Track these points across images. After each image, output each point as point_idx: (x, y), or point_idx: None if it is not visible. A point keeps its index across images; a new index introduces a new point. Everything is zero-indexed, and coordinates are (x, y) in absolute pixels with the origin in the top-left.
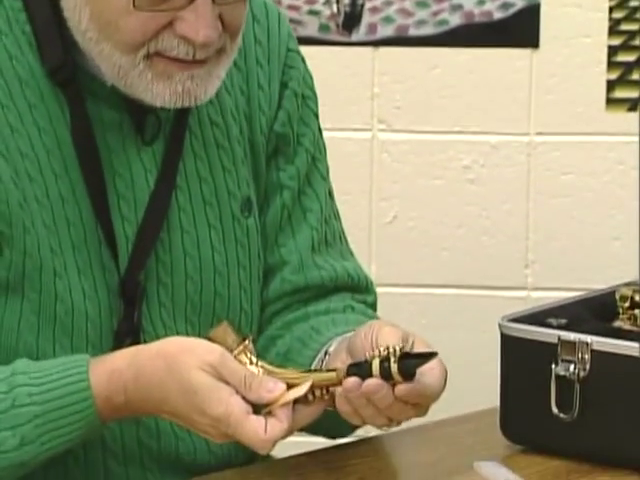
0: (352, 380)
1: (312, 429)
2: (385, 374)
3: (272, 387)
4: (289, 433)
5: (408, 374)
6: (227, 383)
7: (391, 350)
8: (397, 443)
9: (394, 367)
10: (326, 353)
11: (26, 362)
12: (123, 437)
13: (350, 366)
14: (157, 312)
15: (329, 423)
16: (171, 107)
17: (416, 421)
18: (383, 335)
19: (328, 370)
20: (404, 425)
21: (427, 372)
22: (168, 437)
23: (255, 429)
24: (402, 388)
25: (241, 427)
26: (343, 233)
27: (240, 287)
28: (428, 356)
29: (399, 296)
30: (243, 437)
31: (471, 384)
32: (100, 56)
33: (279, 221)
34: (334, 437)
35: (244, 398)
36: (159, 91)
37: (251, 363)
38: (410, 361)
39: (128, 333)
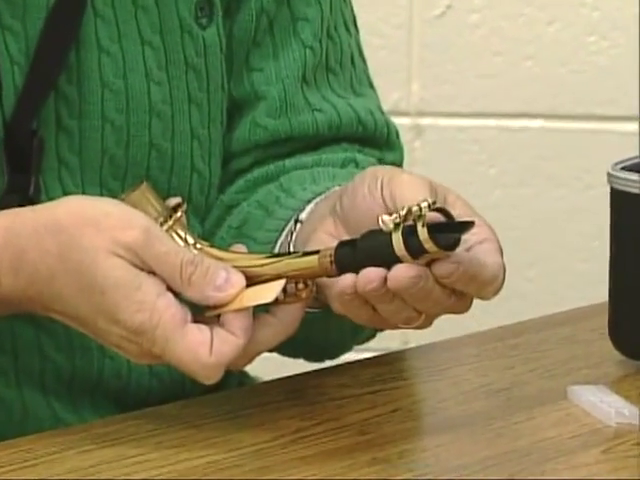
0: (373, 275)
1: (285, 348)
2: (414, 250)
3: (224, 281)
4: (248, 358)
5: (448, 244)
6: (153, 274)
7: (414, 210)
8: (450, 357)
9: (423, 233)
10: (297, 221)
11: None
12: (15, 345)
13: (341, 245)
14: (55, 173)
15: (314, 333)
16: None
17: (477, 323)
18: (401, 188)
19: (305, 254)
20: (456, 330)
21: (476, 246)
22: (85, 350)
23: (194, 347)
24: (444, 267)
25: (173, 344)
26: (359, 52)
27: (192, 135)
28: (465, 225)
29: (453, 131)
30: (176, 359)
31: (563, 268)
32: None
33: (253, 33)
34: (321, 358)
35: (179, 297)
36: None
37: (186, 244)
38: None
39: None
